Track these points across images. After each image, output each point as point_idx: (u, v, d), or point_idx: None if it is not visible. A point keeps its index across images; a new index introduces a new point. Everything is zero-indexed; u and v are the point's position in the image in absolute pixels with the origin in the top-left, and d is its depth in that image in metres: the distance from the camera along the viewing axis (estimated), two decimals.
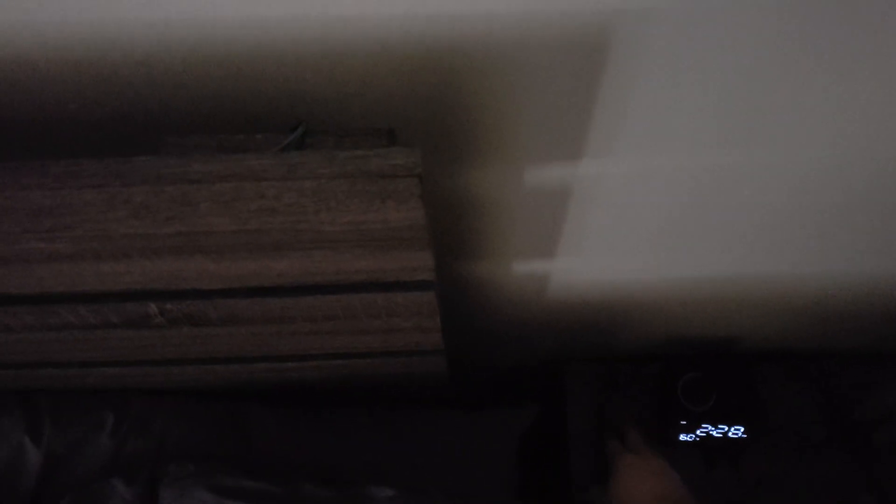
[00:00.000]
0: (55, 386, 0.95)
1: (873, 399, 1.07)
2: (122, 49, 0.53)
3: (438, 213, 0.74)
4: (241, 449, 0.94)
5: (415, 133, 0.60)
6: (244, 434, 0.95)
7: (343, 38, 0.53)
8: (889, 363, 1.10)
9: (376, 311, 0.72)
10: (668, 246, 0.87)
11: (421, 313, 0.73)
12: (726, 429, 1.03)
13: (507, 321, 1.02)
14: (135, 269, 0.62)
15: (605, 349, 1.11)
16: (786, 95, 0.62)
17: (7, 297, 0.69)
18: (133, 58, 0.54)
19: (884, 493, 1.01)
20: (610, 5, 0.51)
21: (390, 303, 0.71)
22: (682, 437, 1.04)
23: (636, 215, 0.80)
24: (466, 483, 0.95)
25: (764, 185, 0.75)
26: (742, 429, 1.03)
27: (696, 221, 0.82)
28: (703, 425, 1.03)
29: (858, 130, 0.66)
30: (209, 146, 0.55)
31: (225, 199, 0.51)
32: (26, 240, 0.57)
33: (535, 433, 1.05)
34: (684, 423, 1.03)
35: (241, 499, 0.87)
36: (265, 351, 0.83)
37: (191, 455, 0.91)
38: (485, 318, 1.02)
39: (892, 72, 0.59)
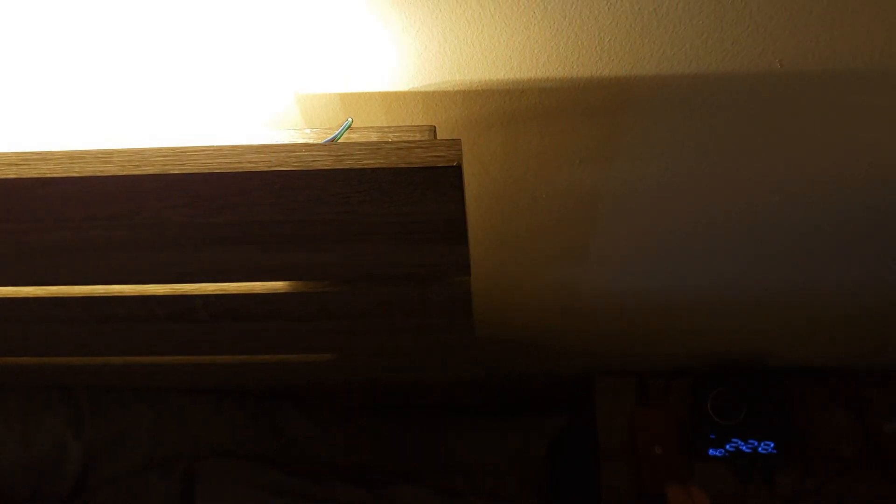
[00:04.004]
0: (95, 382, 0.99)
1: None
2: None
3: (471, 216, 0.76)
4: (275, 447, 0.96)
5: (457, 133, 0.63)
6: (278, 432, 0.97)
7: None
8: None
9: (411, 308, 0.74)
10: (699, 258, 0.88)
11: (454, 311, 0.75)
12: (756, 444, 1.03)
13: (538, 330, 1.04)
14: (185, 259, 0.65)
15: (636, 363, 1.11)
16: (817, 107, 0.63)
17: (60, 286, 0.72)
18: None
19: None
20: None
21: (425, 300, 0.73)
22: (712, 451, 1.04)
23: (668, 225, 0.81)
24: (495, 487, 0.96)
25: (798, 199, 0.76)
26: (772, 444, 1.03)
27: (729, 234, 0.83)
28: (733, 440, 1.03)
29: (890, 147, 0.67)
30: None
31: (275, 187, 0.54)
32: (86, 228, 0.60)
33: (565, 446, 1.05)
34: (713, 437, 1.03)
35: (275, 495, 0.89)
36: (301, 347, 0.86)
37: (226, 451, 0.94)
38: (516, 325, 1.03)
39: None
